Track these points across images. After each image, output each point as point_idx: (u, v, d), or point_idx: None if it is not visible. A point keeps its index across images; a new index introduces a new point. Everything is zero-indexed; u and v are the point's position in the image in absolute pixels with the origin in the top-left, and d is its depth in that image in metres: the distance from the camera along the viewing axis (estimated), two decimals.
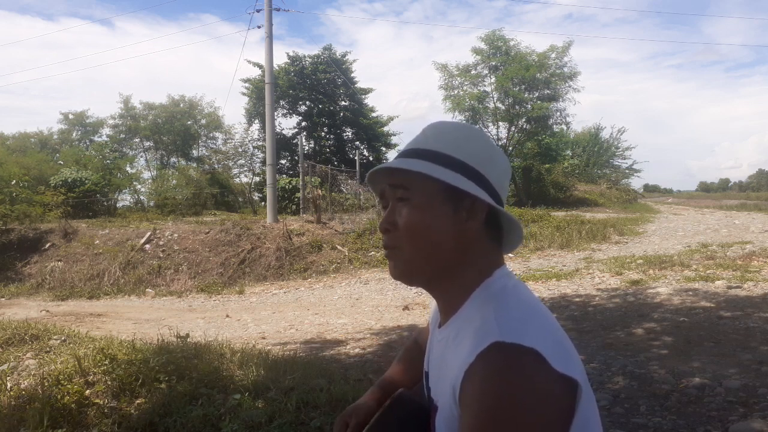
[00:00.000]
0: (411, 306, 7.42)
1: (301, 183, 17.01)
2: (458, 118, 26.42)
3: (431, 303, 1.09)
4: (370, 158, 28.45)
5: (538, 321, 0.80)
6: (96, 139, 34.30)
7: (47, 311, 8.71)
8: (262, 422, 2.83)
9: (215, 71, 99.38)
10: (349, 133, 29.03)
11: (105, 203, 21.22)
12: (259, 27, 15.63)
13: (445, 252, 0.88)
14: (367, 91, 28.69)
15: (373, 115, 28.76)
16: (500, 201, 0.90)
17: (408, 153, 0.92)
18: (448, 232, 0.87)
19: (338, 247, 12.37)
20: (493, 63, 26.67)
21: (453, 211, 0.87)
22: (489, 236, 0.90)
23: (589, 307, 6.27)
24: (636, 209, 25.05)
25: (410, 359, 1.24)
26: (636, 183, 72.27)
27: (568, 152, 34.72)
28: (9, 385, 3.59)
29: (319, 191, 15.08)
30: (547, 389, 0.71)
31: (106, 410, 3.04)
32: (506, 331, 0.75)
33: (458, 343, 0.84)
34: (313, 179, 17.39)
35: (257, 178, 27.58)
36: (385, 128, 29.08)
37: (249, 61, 26.78)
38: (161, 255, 12.37)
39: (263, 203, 23.15)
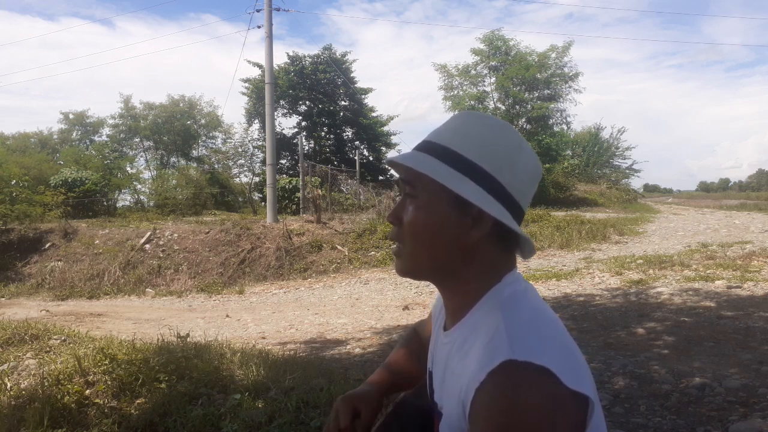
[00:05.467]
0: (411, 306, 7.42)
1: (301, 183, 17.02)
2: None
3: (435, 296, 1.08)
4: (370, 158, 28.47)
5: (548, 333, 0.78)
6: (96, 139, 34.35)
7: (47, 311, 8.71)
8: (262, 422, 2.83)
9: (215, 71, 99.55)
10: (349, 133, 29.06)
11: (105, 203, 21.23)
12: (259, 27, 15.66)
13: (447, 255, 0.86)
14: (367, 91, 28.71)
15: (373, 115, 28.77)
16: (518, 208, 0.85)
17: (424, 146, 0.88)
18: (451, 237, 0.84)
19: (338, 247, 12.38)
20: (493, 63, 26.69)
21: (458, 216, 0.83)
22: (499, 243, 0.85)
23: (590, 306, 6.27)
24: (636, 209, 25.04)
25: (411, 348, 1.23)
26: (636, 183, 72.49)
27: (568, 152, 34.68)
28: (9, 385, 3.59)
29: (319, 191, 15.08)
30: (559, 408, 0.70)
31: (106, 410, 3.04)
32: (517, 347, 0.73)
33: (466, 353, 0.82)
34: (313, 179, 17.40)
35: (257, 178, 27.58)
36: (385, 128, 29.10)
37: (249, 61, 26.84)
38: (161, 255, 12.37)
39: (263, 203, 23.14)
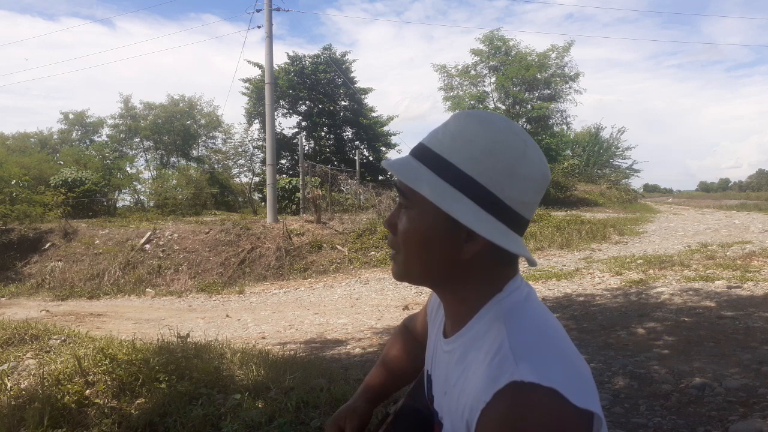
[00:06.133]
0: (411, 306, 7.42)
1: (301, 183, 17.02)
2: None
3: (430, 296, 1.07)
4: (370, 158, 28.46)
5: (553, 349, 0.77)
6: (96, 138, 34.29)
7: (47, 311, 8.71)
8: (262, 422, 2.83)
9: (215, 71, 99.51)
10: (349, 133, 29.04)
11: (105, 203, 21.23)
12: (259, 27, 15.65)
13: (441, 267, 0.84)
14: (367, 91, 28.71)
15: (373, 115, 28.75)
16: (519, 219, 0.82)
17: (420, 152, 0.84)
18: (443, 251, 0.82)
19: (338, 247, 12.37)
20: (493, 63, 26.71)
21: (451, 231, 0.81)
22: (497, 255, 0.82)
23: (590, 306, 6.27)
24: (636, 209, 25.04)
25: (405, 344, 1.23)
26: (636, 183, 72.36)
27: (568, 152, 34.70)
28: (9, 385, 3.59)
29: (319, 191, 15.08)
30: (565, 427, 0.70)
31: (106, 410, 3.04)
32: (524, 367, 0.72)
33: (468, 366, 0.81)
34: (313, 179, 17.40)
35: (257, 178, 27.61)
36: (385, 128, 29.08)
37: (249, 61, 26.81)
38: (161, 255, 12.37)
39: (263, 203, 23.15)
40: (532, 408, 0.69)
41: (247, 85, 27.17)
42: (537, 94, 26.61)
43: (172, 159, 33.78)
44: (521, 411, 0.69)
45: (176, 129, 32.26)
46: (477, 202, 0.79)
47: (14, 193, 14.84)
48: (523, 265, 9.18)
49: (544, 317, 0.82)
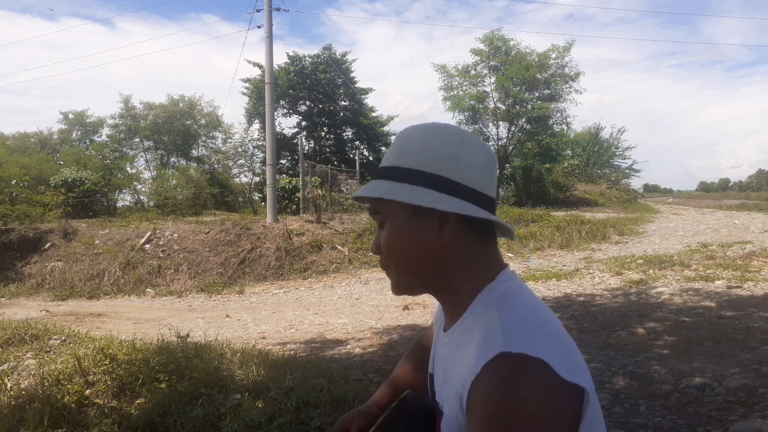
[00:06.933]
0: (411, 306, 7.42)
1: (301, 183, 17.02)
2: (458, 118, 26.51)
3: (434, 302, 1.09)
4: (370, 158, 28.46)
5: (543, 327, 0.79)
6: (96, 138, 34.27)
7: (47, 311, 8.71)
8: (262, 422, 2.83)
9: (215, 71, 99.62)
10: (349, 133, 29.04)
11: (105, 203, 21.23)
12: (259, 27, 15.64)
13: (429, 265, 0.88)
14: (367, 91, 28.71)
15: (373, 115, 28.76)
16: (480, 196, 0.86)
17: (378, 173, 0.92)
18: (425, 246, 0.87)
19: (338, 247, 12.37)
20: (493, 63, 26.68)
21: (423, 224, 0.86)
22: (476, 236, 0.87)
23: (590, 306, 6.27)
24: (636, 209, 25.06)
25: (415, 359, 1.24)
26: (636, 183, 72.42)
27: (568, 152, 34.71)
28: (9, 385, 3.59)
29: (319, 191, 15.07)
30: (553, 398, 0.71)
31: (106, 410, 3.04)
32: (512, 340, 0.74)
33: (463, 350, 0.83)
34: (313, 179, 17.40)
35: (257, 178, 27.61)
36: (385, 128, 29.09)
37: (249, 61, 26.81)
38: (161, 255, 12.37)
39: (263, 203, 23.15)
40: (520, 377, 0.71)
41: (247, 85, 27.20)
42: (537, 94, 26.55)
43: (172, 159, 33.77)
44: (509, 379, 0.71)
45: (176, 129, 32.24)
46: (431, 188, 0.85)
47: (14, 193, 14.84)
48: (523, 266, 9.08)
49: (536, 304, 0.85)
